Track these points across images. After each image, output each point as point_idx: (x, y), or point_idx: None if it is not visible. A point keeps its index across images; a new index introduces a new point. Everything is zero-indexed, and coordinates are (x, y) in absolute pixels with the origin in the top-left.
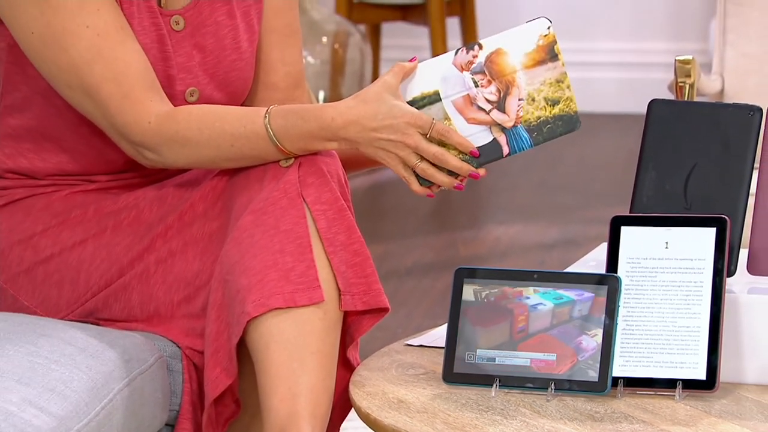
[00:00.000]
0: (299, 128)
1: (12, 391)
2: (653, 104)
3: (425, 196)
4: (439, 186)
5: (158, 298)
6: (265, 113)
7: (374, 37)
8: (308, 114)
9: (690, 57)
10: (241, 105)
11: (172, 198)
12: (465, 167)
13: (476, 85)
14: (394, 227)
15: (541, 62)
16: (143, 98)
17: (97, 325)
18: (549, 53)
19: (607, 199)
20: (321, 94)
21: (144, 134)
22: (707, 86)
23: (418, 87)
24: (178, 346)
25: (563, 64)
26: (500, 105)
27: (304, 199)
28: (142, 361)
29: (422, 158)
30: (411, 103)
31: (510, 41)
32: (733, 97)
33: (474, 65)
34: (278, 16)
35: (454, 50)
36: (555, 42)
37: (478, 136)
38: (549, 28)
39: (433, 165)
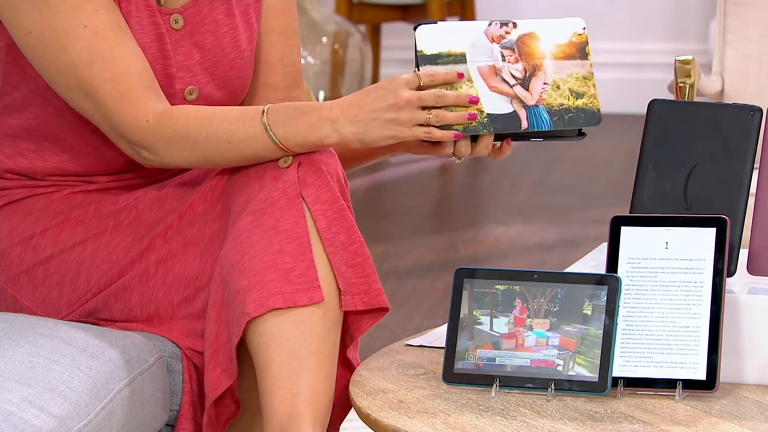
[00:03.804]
0: (297, 120)
1: (12, 391)
2: (653, 104)
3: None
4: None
5: (158, 299)
6: (263, 110)
7: (374, 37)
8: (306, 107)
9: (690, 57)
10: (241, 105)
11: (172, 198)
12: (463, 94)
13: (503, 59)
14: (394, 227)
15: (570, 56)
16: (141, 98)
17: (97, 325)
18: (580, 51)
19: (607, 199)
20: (321, 94)
21: (142, 134)
22: (707, 86)
23: (445, 43)
24: (178, 347)
25: (591, 65)
26: (525, 83)
27: (303, 198)
28: (142, 361)
29: (428, 110)
30: (435, 56)
31: (544, 29)
32: (733, 97)
33: (505, 40)
34: (277, 16)
35: (488, 21)
36: (587, 43)
37: (498, 104)
38: (584, 29)
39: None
